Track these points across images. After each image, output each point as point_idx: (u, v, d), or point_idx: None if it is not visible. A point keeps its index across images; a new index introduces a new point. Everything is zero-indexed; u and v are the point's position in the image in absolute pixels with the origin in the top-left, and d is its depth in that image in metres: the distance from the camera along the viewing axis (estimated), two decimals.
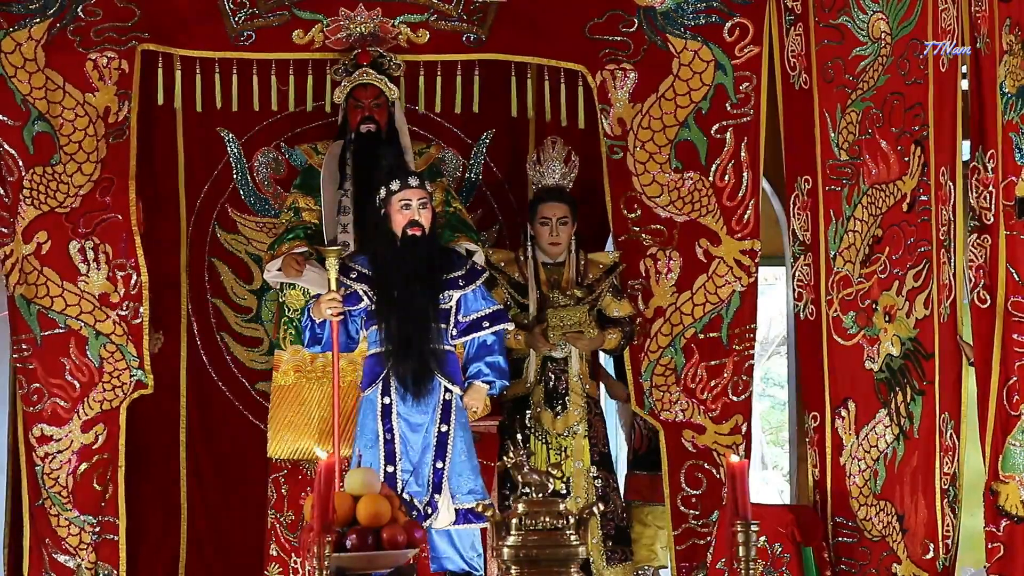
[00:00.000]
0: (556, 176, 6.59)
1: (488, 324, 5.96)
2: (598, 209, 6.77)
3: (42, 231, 6.41)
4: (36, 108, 6.43)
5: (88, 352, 6.42)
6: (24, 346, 6.45)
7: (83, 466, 6.39)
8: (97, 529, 6.41)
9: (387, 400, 5.84)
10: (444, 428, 5.85)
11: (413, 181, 5.87)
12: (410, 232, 5.84)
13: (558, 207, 6.51)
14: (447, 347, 5.92)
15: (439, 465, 5.82)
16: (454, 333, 5.94)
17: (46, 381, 6.41)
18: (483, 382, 5.99)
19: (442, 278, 5.89)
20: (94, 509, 6.41)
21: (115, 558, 6.41)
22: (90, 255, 6.44)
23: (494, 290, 6.50)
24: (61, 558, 6.40)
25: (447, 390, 5.87)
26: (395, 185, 5.85)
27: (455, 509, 5.85)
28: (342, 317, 5.89)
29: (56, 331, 6.42)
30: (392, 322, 5.82)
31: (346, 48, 6.61)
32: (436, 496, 5.82)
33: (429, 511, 5.82)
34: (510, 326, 6.11)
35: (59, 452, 6.41)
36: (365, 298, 5.91)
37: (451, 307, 5.92)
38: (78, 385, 6.41)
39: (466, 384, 5.98)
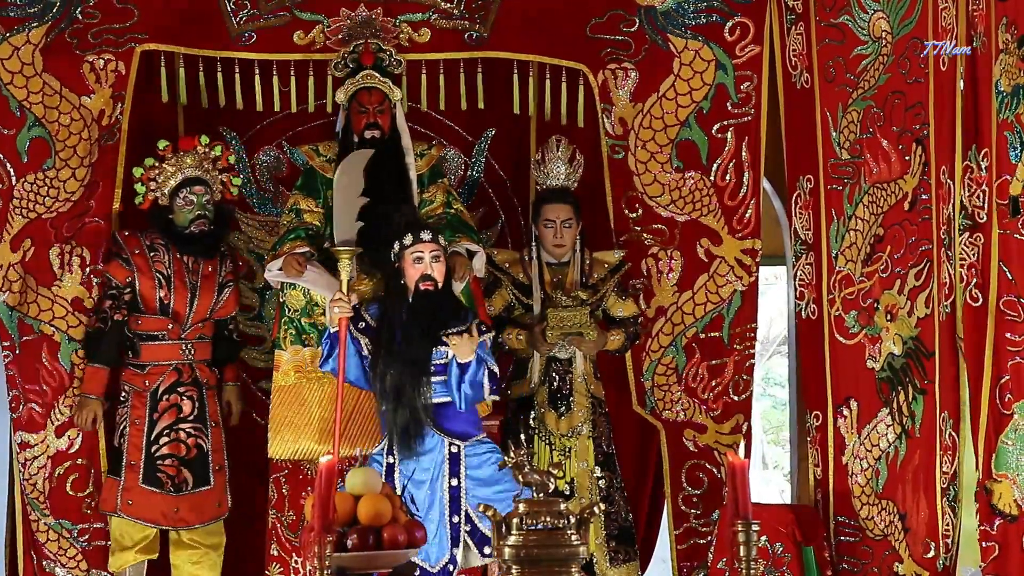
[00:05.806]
0: (560, 177, 6.55)
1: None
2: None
3: (27, 238, 6.38)
4: (33, 113, 6.40)
5: (60, 357, 6.40)
6: (6, 353, 6.44)
7: (58, 471, 6.40)
8: (85, 537, 6.41)
9: (391, 460, 5.79)
10: (455, 482, 5.74)
11: (425, 235, 5.82)
12: (422, 287, 5.80)
13: (562, 208, 6.47)
14: (443, 400, 5.81)
15: (455, 520, 5.72)
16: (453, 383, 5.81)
17: (23, 387, 6.40)
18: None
19: (441, 332, 5.81)
20: (72, 515, 6.41)
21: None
22: (66, 259, 6.41)
23: (498, 291, 6.50)
24: (45, 564, 6.41)
25: (452, 444, 5.79)
26: (408, 240, 5.81)
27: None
28: (352, 314, 5.87)
29: (31, 337, 6.40)
30: (386, 376, 5.77)
31: (347, 42, 6.59)
32: (455, 551, 5.71)
33: (451, 568, 5.70)
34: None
35: (35, 458, 6.40)
36: (365, 349, 5.87)
37: (446, 362, 5.82)
38: (49, 391, 6.40)
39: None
